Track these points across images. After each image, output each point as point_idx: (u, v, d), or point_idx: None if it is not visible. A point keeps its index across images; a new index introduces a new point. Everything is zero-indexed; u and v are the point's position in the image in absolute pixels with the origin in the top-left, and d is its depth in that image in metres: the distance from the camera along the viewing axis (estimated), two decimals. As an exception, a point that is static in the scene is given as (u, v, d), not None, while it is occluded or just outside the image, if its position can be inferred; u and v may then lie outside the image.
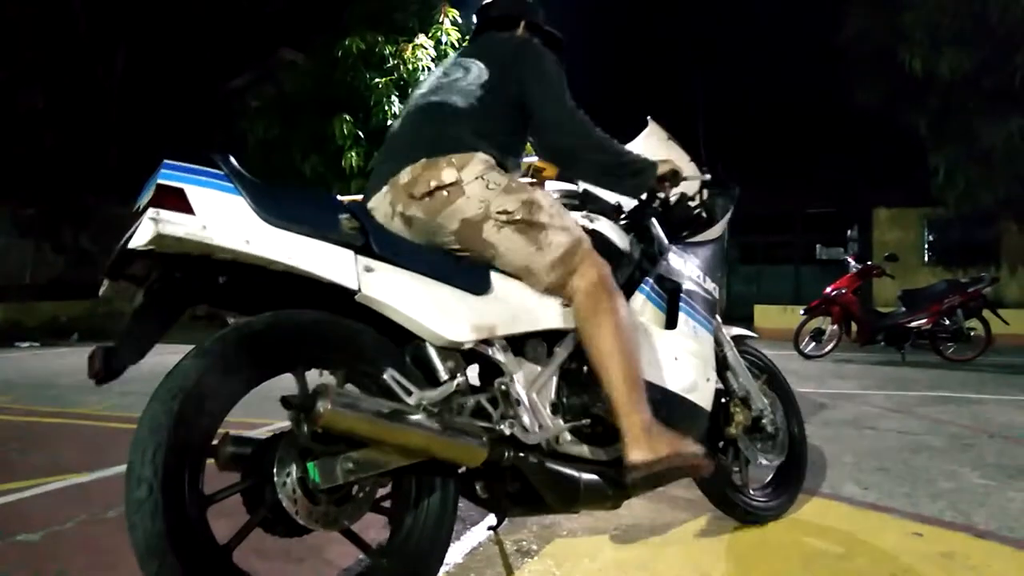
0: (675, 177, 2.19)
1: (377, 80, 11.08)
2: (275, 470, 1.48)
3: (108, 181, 15.77)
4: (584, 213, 2.17)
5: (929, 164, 13.74)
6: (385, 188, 1.90)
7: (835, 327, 9.01)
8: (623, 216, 2.33)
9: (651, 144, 2.40)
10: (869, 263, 9.52)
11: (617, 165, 2.07)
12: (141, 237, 1.37)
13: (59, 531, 2.38)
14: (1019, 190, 13.14)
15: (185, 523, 1.34)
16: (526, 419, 1.81)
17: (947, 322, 8.60)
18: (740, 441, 2.49)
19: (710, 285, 2.36)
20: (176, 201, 1.41)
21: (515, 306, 1.85)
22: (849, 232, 11.75)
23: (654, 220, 2.29)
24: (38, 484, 2.93)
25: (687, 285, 2.26)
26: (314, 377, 1.60)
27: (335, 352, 1.61)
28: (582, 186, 2.39)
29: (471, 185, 1.82)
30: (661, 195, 2.31)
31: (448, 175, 1.82)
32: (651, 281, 2.18)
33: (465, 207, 1.82)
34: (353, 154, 10.93)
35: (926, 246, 17.26)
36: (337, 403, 1.44)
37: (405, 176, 1.86)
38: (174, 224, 1.38)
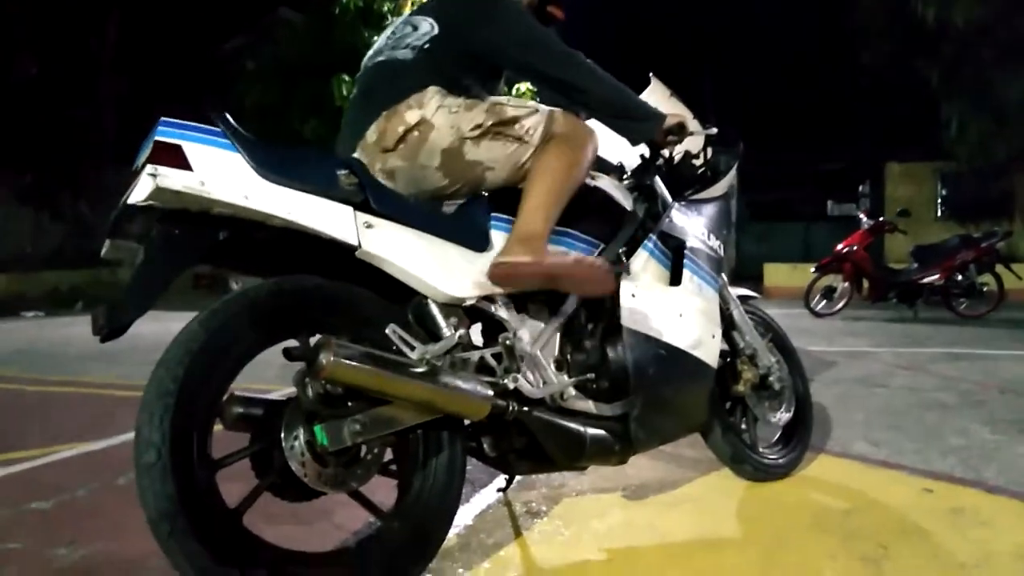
0: (681, 131, 2.15)
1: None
2: (283, 434, 1.48)
3: (104, 148, 15.75)
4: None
5: (942, 117, 13.53)
6: (356, 154, 1.90)
7: (846, 284, 8.94)
8: (626, 175, 2.30)
9: (653, 101, 2.36)
10: (881, 219, 9.42)
11: (625, 106, 2.04)
12: (140, 192, 1.39)
13: (71, 499, 2.40)
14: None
15: (194, 486, 1.36)
16: (530, 374, 1.82)
17: (959, 278, 8.54)
18: (748, 399, 2.49)
19: (715, 243, 2.34)
20: (174, 157, 1.42)
21: None
22: (860, 188, 11.62)
23: (657, 178, 2.26)
24: (49, 453, 2.95)
25: (691, 242, 2.23)
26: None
27: (339, 316, 1.61)
28: None
29: (436, 116, 1.82)
30: (665, 153, 2.27)
31: (412, 116, 1.82)
32: (655, 238, 2.16)
33: (439, 139, 1.82)
34: (352, 115, 10.85)
35: (939, 201, 17.10)
36: (340, 355, 1.45)
37: (372, 135, 1.87)
38: (172, 179, 1.39)
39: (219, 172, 1.45)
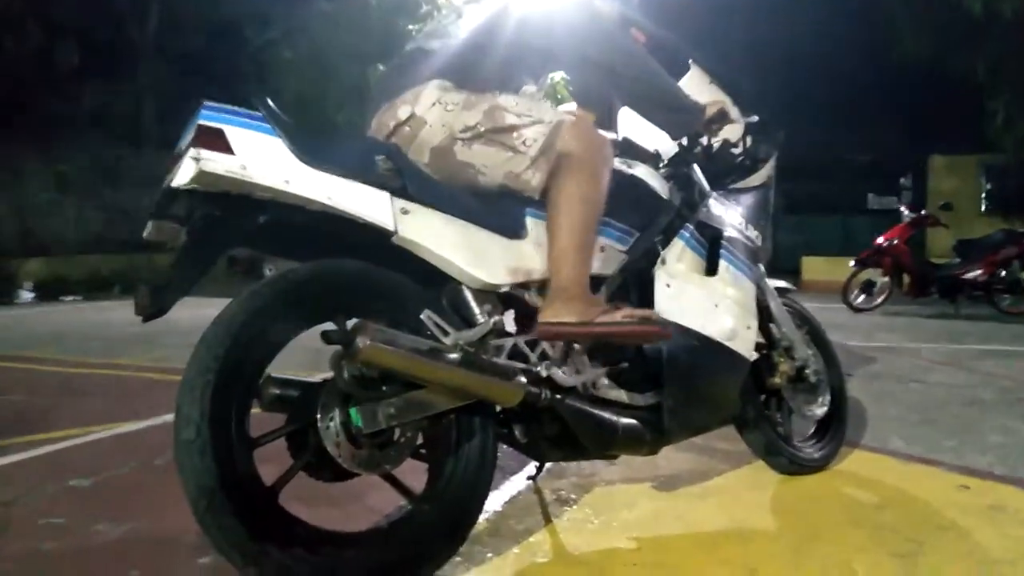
0: (723, 119, 2.13)
1: (411, 27, 10.97)
2: (319, 415, 1.51)
3: (144, 135, 16.03)
4: (622, 159, 2.11)
5: (987, 110, 13.20)
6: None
7: (886, 279, 8.76)
8: (663, 164, 2.28)
9: (693, 88, 2.33)
10: (923, 212, 9.23)
11: (666, 98, 2.01)
12: (183, 176, 1.41)
13: (110, 477, 2.46)
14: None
15: (232, 463, 1.38)
16: (563, 363, 1.82)
17: (1003, 274, 8.32)
18: (784, 391, 2.46)
19: (752, 233, 2.31)
20: (216, 141, 1.43)
21: None
22: (902, 180, 11.40)
23: (695, 166, 2.24)
24: (88, 432, 3.03)
25: (728, 232, 2.21)
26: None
27: (376, 301, 1.63)
28: (621, 134, 2.34)
29: (429, 113, 1.80)
30: (703, 140, 2.25)
31: (403, 112, 1.81)
32: (691, 228, 2.14)
33: (429, 136, 1.80)
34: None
35: (983, 194, 16.69)
36: (376, 339, 1.47)
37: (372, 125, 1.88)
38: (214, 162, 1.41)
39: (260, 156, 1.47)
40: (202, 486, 1.34)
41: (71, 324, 7.84)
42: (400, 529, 1.64)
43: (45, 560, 1.83)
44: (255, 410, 1.48)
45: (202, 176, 1.40)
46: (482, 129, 1.79)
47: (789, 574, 1.74)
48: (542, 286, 1.84)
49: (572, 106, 2.76)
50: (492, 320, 1.69)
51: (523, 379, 1.70)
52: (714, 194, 2.25)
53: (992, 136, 13.54)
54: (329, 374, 1.57)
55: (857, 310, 8.75)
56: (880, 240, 8.77)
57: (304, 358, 1.94)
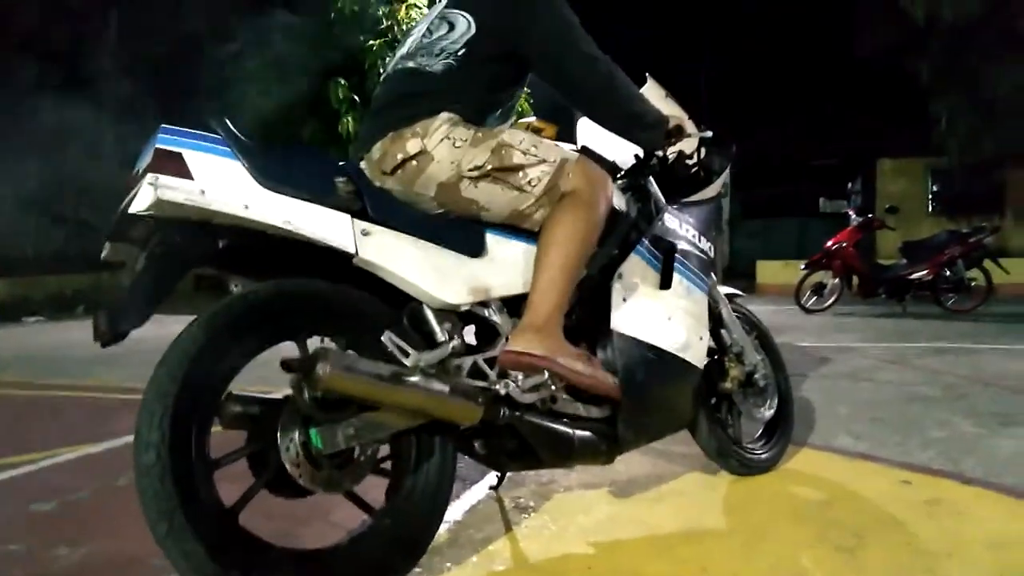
0: (679, 133, 2.16)
1: (371, 42, 10.98)
2: (279, 436, 1.53)
3: (103, 152, 15.74)
4: None
5: (932, 113, 13.62)
6: (363, 162, 1.91)
7: (836, 281, 9.02)
8: (620, 175, 2.32)
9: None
10: (870, 216, 9.49)
11: (637, 114, 2.03)
12: (141, 202, 1.41)
13: (72, 500, 2.45)
14: (1022, 137, 13.03)
15: (192, 486, 1.39)
16: (521, 379, 1.85)
17: (948, 273, 8.62)
18: (735, 395, 2.55)
19: (705, 244, 2.37)
20: (175, 166, 1.44)
21: (511, 268, 1.88)
22: (850, 184, 11.70)
23: (651, 179, 2.29)
24: (51, 455, 3.00)
25: (682, 245, 2.27)
26: (314, 345, 1.64)
27: (337, 320, 1.66)
28: (580, 143, 2.39)
29: (438, 149, 1.80)
30: (659, 153, 2.30)
31: (412, 146, 1.81)
32: (646, 242, 2.19)
33: (437, 172, 1.81)
34: (349, 119, 10.88)
35: (929, 196, 17.17)
36: (337, 366, 1.49)
37: (376, 152, 1.87)
38: (173, 189, 1.42)
39: (219, 181, 1.48)
40: (162, 510, 1.35)
41: (34, 345, 7.69)
42: (361, 544, 1.67)
43: (6, 586, 1.83)
44: (216, 428, 1.50)
45: (160, 204, 1.41)
46: (489, 167, 1.82)
47: (740, 571, 1.81)
48: (502, 303, 1.88)
49: (532, 119, 2.82)
50: (451, 345, 1.73)
51: (482, 399, 1.72)
52: (668, 208, 2.30)
53: (937, 140, 13.95)
54: (289, 391, 1.59)
55: (809, 311, 8.98)
56: (830, 243, 9.03)
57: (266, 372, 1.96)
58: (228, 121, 1.56)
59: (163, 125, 1.49)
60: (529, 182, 1.84)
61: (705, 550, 1.96)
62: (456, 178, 1.82)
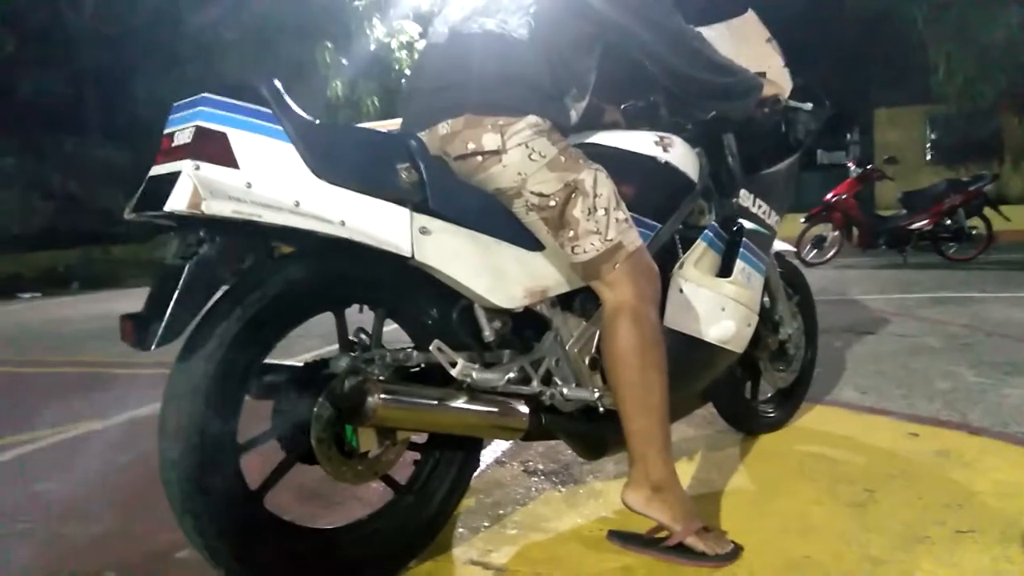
0: (775, 105, 1.94)
1: (356, 2, 10.79)
2: (312, 427, 1.45)
3: (87, 123, 15.58)
4: (658, 136, 1.92)
5: (929, 61, 13.48)
6: (424, 133, 1.66)
7: (836, 233, 9.01)
8: (689, 127, 2.08)
9: (743, 35, 2.08)
10: (869, 166, 9.43)
11: (728, 86, 1.82)
12: (178, 199, 1.20)
13: (76, 478, 2.44)
14: (1019, 83, 12.91)
15: (219, 477, 1.34)
16: (564, 383, 1.77)
17: (948, 222, 8.61)
18: (761, 363, 2.43)
19: (773, 220, 2.18)
20: (218, 150, 1.24)
21: (569, 264, 1.72)
22: (849, 135, 11.59)
23: (733, 142, 2.07)
24: (53, 434, 2.99)
25: (751, 226, 2.06)
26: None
27: (381, 291, 1.58)
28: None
29: (511, 152, 1.60)
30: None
31: (489, 141, 1.60)
32: (715, 227, 2.01)
33: (500, 177, 1.62)
34: (338, 83, 10.74)
35: (928, 145, 17.06)
36: (387, 404, 1.42)
37: (443, 128, 1.64)
38: (216, 184, 1.22)
39: (269, 171, 1.28)
40: (188, 504, 1.31)
41: (31, 322, 7.67)
42: (381, 521, 1.66)
43: (17, 566, 1.82)
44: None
45: (200, 202, 1.20)
46: (551, 204, 1.62)
47: (751, 529, 1.80)
48: (554, 298, 1.76)
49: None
50: (501, 353, 1.68)
51: (526, 412, 1.67)
52: (744, 182, 2.07)
53: (935, 87, 13.82)
54: (319, 355, 1.55)
55: (809, 265, 8.95)
56: (829, 196, 8.98)
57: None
58: (279, 87, 1.33)
59: (204, 95, 1.27)
60: (573, 248, 1.64)
61: (715, 509, 1.95)
62: (516, 192, 1.63)
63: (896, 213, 9.10)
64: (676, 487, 1.69)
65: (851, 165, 9.34)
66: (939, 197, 8.64)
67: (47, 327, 7.08)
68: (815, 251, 9.12)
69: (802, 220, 9.28)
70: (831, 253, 9.03)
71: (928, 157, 16.91)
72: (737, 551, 1.66)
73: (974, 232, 8.58)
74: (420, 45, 10.11)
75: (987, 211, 8.62)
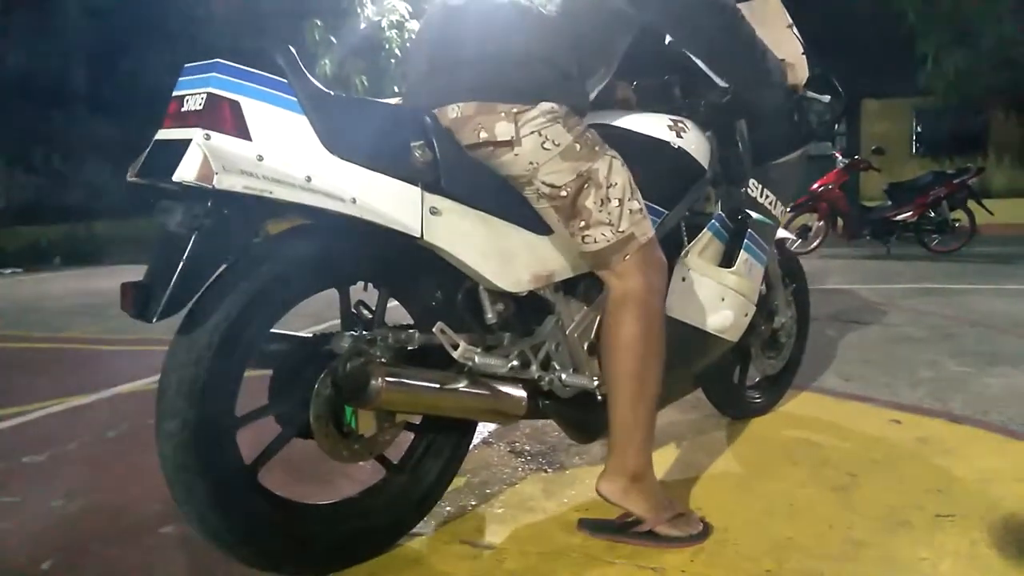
0: (792, 94, 1.92)
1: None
2: (310, 406, 1.46)
3: (72, 97, 15.36)
4: (672, 120, 1.90)
5: (917, 52, 13.52)
6: (434, 112, 1.59)
7: (821, 223, 9.04)
8: (703, 105, 2.00)
9: (760, 20, 1.91)
10: (856, 157, 9.48)
11: (770, 71, 1.78)
12: (188, 169, 1.17)
13: (63, 452, 2.43)
14: (1008, 77, 12.99)
15: (216, 452, 1.34)
16: (563, 369, 1.77)
17: (932, 214, 8.66)
18: (752, 349, 2.43)
19: (778, 211, 2.17)
20: (231, 119, 1.21)
21: (575, 249, 1.69)
22: (836, 126, 11.62)
23: (744, 130, 2.03)
24: (39, 408, 2.97)
25: (756, 217, 2.06)
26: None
27: (387, 270, 1.58)
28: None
29: (525, 140, 1.54)
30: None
31: (502, 130, 1.53)
32: (722, 216, 2.00)
33: (512, 164, 1.58)
34: (327, 61, 10.61)
35: (914, 137, 17.15)
36: (389, 388, 1.43)
37: (454, 111, 1.57)
38: (228, 155, 1.19)
39: (281, 143, 1.25)
40: (183, 478, 1.31)
41: (12, 298, 7.59)
42: (373, 498, 1.67)
43: (3, 539, 1.82)
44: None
45: (210, 174, 1.17)
46: (563, 195, 1.58)
47: (735, 512, 1.83)
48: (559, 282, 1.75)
49: None
50: (502, 336, 1.68)
51: (524, 396, 1.69)
52: (753, 172, 2.06)
53: (923, 79, 13.87)
54: (322, 328, 1.56)
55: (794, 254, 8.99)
56: (816, 186, 9.01)
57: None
58: (296, 54, 1.30)
59: (218, 61, 1.23)
60: (583, 238, 1.61)
61: (700, 491, 1.98)
62: (527, 180, 1.59)
63: (881, 204, 9.15)
64: (651, 476, 1.70)
65: (838, 155, 9.38)
66: (924, 189, 8.70)
67: (30, 302, 7.01)
68: (799, 241, 9.13)
69: (787, 210, 9.29)
70: (815, 243, 9.07)
71: (914, 149, 17.00)
72: (708, 530, 1.70)
73: (957, 225, 8.65)
74: (411, 25, 9.99)
75: (971, 204, 8.69)
